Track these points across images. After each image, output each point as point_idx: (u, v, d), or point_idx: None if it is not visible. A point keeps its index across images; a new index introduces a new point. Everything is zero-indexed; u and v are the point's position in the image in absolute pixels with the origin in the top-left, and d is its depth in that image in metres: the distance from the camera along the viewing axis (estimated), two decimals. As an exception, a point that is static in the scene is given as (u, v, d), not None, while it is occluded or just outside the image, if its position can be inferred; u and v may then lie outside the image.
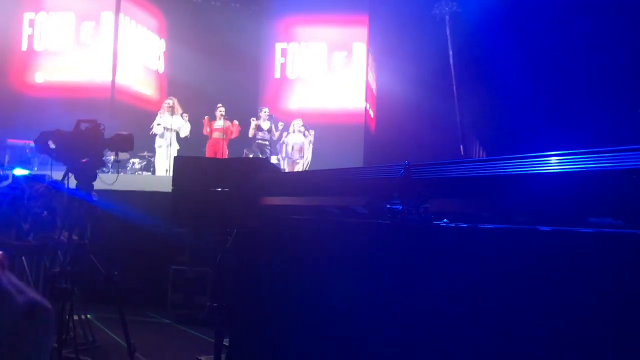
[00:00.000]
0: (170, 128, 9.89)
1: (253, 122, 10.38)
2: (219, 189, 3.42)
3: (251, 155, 10.21)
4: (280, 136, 10.65)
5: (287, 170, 10.14)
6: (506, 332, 1.86)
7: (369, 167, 2.98)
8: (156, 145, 9.89)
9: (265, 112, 10.55)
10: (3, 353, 0.51)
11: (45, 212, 4.87)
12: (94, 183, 4.09)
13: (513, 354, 1.85)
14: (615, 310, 1.60)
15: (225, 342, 3.85)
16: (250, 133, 10.33)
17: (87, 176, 3.99)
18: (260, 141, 10.35)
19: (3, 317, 0.52)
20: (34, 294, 0.55)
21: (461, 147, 12.33)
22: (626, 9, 11.02)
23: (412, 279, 2.24)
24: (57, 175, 4.93)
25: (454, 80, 12.40)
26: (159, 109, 10.18)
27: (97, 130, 3.96)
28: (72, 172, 4.00)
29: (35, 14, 11.28)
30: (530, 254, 1.84)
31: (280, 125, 10.59)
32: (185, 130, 10.09)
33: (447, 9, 12.28)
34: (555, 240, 1.79)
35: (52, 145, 3.92)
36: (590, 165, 1.71)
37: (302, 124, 10.73)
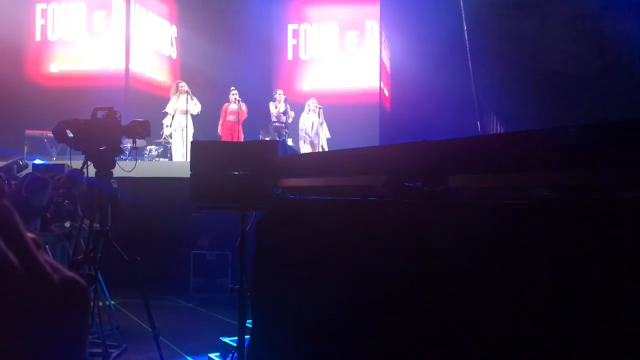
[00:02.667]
0: (186, 111, 9.94)
1: (272, 105, 10.42)
2: (237, 172, 3.42)
3: (268, 138, 10.23)
4: (297, 117, 10.66)
5: (305, 151, 10.18)
6: (546, 308, 1.85)
7: (387, 145, 2.97)
8: (172, 130, 9.94)
9: (280, 94, 10.54)
10: (41, 332, 0.52)
11: (67, 201, 4.92)
12: (113, 170, 4.13)
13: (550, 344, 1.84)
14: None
15: (249, 323, 3.88)
16: (274, 116, 10.38)
17: (105, 164, 4.02)
18: (277, 124, 10.37)
19: (40, 295, 0.52)
20: (70, 273, 0.55)
21: (478, 123, 12.20)
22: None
23: (435, 257, 2.23)
24: (76, 164, 4.98)
25: (469, 55, 12.23)
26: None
27: (114, 117, 3.98)
28: (90, 161, 4.03)
29: (47, 4, 11.32)
30: (553, 228, 1.81)
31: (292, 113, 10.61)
32: (197, 109, 10.14)
33: (460, -18, 12.07)
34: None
35: (69, 134, 3.94)
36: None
37: (317, 103, 10.71)
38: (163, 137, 9.93)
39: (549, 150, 1.89)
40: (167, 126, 9.95)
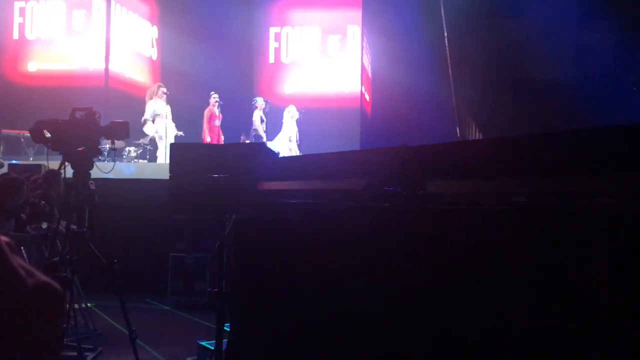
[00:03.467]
0: (162, 114, 9.89)
1: (257, 114, 10.47)
2: (217, 175, 3.41)
3: (248, 141, 10.23)
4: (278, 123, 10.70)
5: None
6: (515, 314, 1.88)
7: (367, 150, 2.98)
8: (153, 133, 9.87)
9: (260, 101, 10.59)
10: (13, 335, 0.52)
11: (43, 202, 4.86)
12: (91, 172, 4.09)
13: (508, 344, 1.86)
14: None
15: (227, 327, 3.87)
16: (255, 124, 10.41)
17: (83, 165, 3.98)
18: (258, 129, 10.41)
19: (13, 299, 0.52)
20: (44, 277, 0.55)
21: (457, 129, 12.32)
22: None
23: (411, 261, 2.25)
24: (54, 164, 4.93)
25: (449, 62, 12.35)
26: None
27: (93, 118, 3.95)
28: (68, 162, 3.99)
29: (26, 3, 11.17)
30: (527, 233, 1.85)
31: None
32: (170, 114, 10.10)
33: (441, -11, 12.19)
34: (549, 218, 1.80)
35: (47, 135, 3.90)
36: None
37: (295, 109, 10.75)
38: (149, 139, 9.84)
39: (523, 158, 1.92)
40: (156, 132, 9.87)
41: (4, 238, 0.55)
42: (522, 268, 1.83)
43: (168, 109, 9.96)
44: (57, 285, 0.55)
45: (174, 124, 10.12)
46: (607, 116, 10.89)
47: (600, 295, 1.60)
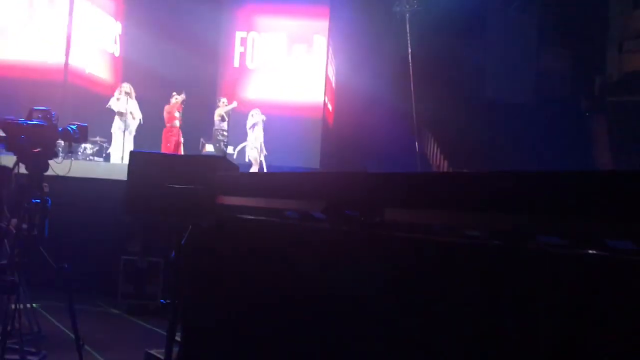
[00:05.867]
0: (125, 113, 9.71)
1: (217, 113, 10.39)
2: (176, 186, 3.39)
3: (208, 146, 10.16)
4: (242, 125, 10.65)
5: (251, 159, 10.26)
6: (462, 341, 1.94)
7: (328, 172, 3.02)
8: (112, 130, 9.70)
9: (224, 102, 10.50)
10: None
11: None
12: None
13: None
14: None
15: (177, 337, 3.84)
16: (217, 123, 10.32)
17: (38, 166, 3.90)
18: (219, 132, 10.33)
19: None
20: None
21: (416, 144, 12.53)
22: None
23: (365, 287, 2.29)
24: (6, 159, 4.79)
25: (411, 77, 12.57)
26: (113, 93, 9.98)
27: (51, 120, 3.87)
28: (22, 162, 3.90)
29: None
30: (475, 269, 1.91)
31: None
32: (138, 115, 9.94)
33: (407, 6, 12.40)
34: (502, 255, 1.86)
35: (2, 134, 3.80)
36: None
37: (260, 113, 10.73)
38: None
39: (482, 193, 1.99)
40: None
41: None
42: (469, 301, 1.90)
43: (131, 105, 9.79)
44: None
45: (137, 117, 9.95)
46: (561, 138, 11.27)
47: (541, 333, 1.67)
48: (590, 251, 1.67)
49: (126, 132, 9.59)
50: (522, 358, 1.70)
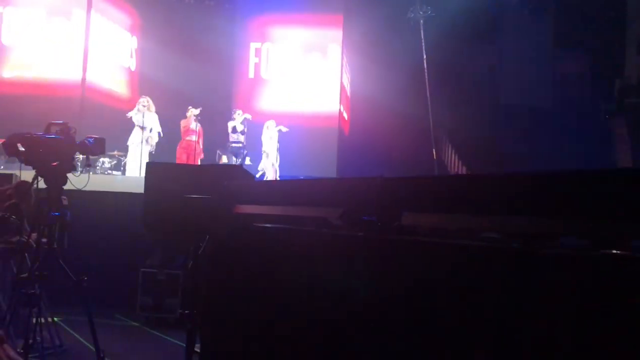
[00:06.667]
0: (143, 126, 9.78)
1: (230, 125, 10.41)
2: (192, 196, 3.39)
3: (224, 157, 10.18)
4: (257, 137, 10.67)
5: (266, 170, 10.24)
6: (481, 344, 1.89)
7: (344, 178, 3.00)
8: (128, 142, 9.78)
9: (239, 114, 10.53)
10: None
11: (13, 217, 4.76)
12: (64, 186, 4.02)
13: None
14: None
15: (197, 347, 3.82)
16: (231, 136, 10.36)
17: (57, 180, 3.92)
18: (234, 144, 10.34)
19: None
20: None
21: (433, 151, 12.45)
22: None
23: (384, 292, 2.26)
24: (25, 174, 4.84)
25: (427, 83, 12.52)
26: (130, 107, 10.07)
27: (68, 134, 3.90)
28: (41, 176, 3.93)
29: (3, 8, 11.02)
30: (494, 272, 1.87)
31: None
32: (157, 128, 10.01)
33: (421, 13, 12.38)
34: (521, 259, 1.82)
35: (21, 148, 3.84)
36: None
37: (275, 124, 10.73)
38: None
39: (501, 196, 1.95)
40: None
41: None
42: (490, 305, 1.86)
43: (149, 119, 9.86)
44: None
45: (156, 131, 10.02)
46: (580, 142, 11.14)
47: (560, 338, 1.63)
48: (615, 251, 1.62)
49: (144, 145, 9.66)
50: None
